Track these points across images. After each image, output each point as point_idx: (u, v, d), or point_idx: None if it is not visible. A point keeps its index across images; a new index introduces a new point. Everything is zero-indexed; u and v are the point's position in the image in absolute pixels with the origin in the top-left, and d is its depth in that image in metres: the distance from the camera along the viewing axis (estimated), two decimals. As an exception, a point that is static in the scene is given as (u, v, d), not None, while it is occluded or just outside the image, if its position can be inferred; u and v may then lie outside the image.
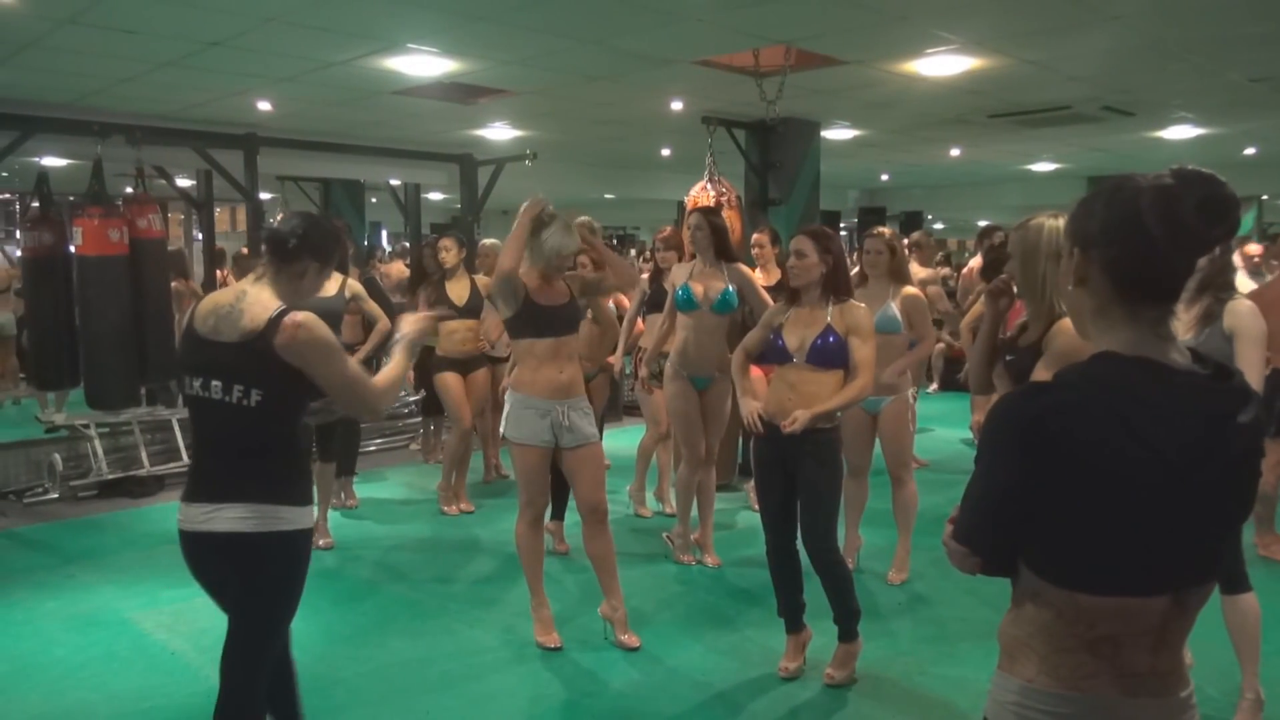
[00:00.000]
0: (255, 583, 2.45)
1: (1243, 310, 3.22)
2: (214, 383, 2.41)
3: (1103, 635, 1.37)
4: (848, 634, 3.74)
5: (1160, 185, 1.31)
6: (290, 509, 2.44)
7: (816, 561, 3.67)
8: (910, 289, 4.78)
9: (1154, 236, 1.31)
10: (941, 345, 10.05)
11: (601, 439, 4.31)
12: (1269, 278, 6.44)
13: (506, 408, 4.01)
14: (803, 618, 3.81)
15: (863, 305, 3.73)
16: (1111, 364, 1.35)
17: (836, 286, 3.66)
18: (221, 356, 2.40)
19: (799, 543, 3.72)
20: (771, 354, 3.72)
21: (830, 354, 3.58)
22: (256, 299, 2.43)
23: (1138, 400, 1.32)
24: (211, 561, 2.48)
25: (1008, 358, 2.75)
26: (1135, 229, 1.32)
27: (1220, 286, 3.28)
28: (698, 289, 4.78)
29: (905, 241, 6.60)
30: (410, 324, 2.75)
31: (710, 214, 4.97)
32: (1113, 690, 1.38)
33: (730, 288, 4.76)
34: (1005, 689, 1.46)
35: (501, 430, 4.05)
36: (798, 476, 3.63)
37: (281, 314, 2.38)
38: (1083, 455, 1.31)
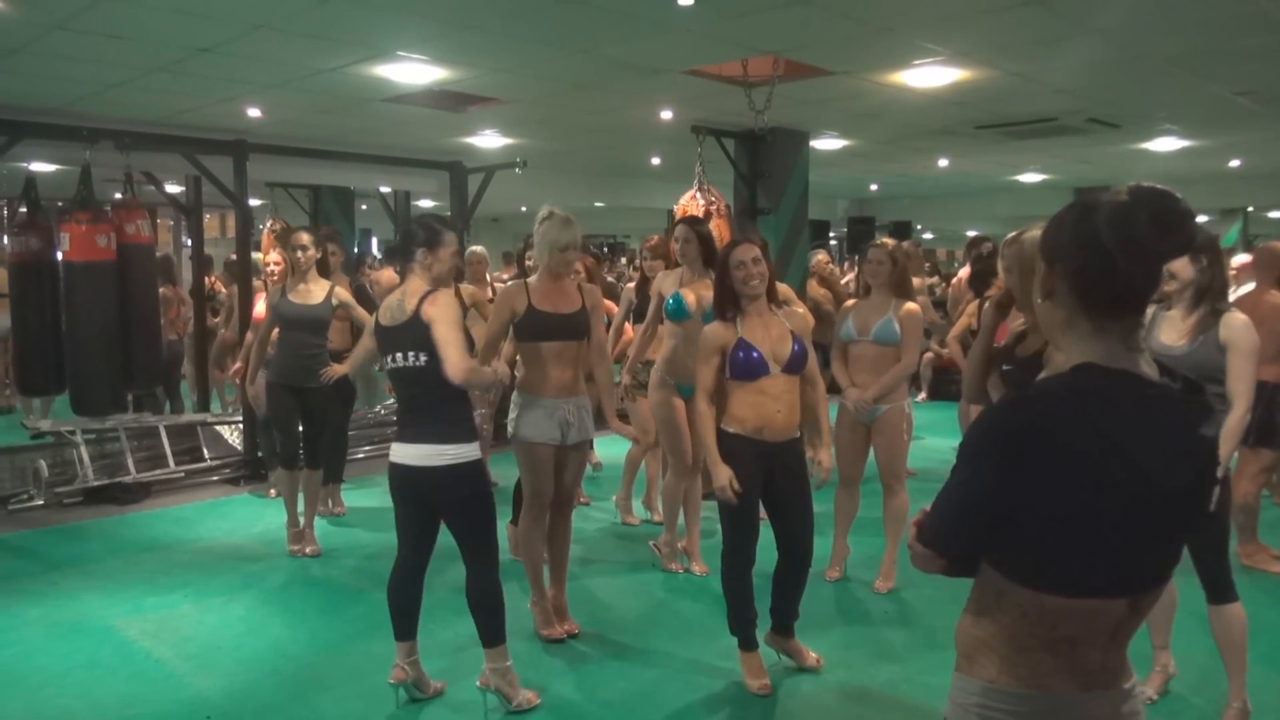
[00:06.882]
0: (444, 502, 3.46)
1: (1237, 324, 3.24)
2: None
3: (1063, 636, 1.42)
4: (791, 628, 3.93)
5: (1116, 201, 1.38)
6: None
7: (805, 562, 3.79)
8: (912, 305, 4.66)
9: (1109, 251, 1.37)
10: (930, 355, 10.08)
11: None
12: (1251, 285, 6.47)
13: (514, 410, 4.12)
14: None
15: (801, 308, 3.92)
16: (1093, 375, 1.39)
17: (774, 291, 3.79)
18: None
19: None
20: (743, 370, 3.61)
21: (802, 360, 3.70)
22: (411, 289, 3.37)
23: (1119, 412, 1.37)
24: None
25: (1005, 368, 2.77)
26: (1092, 244, 1.38)
27: (1217, 297, 3.31)
28: (690, 298, 4.74)
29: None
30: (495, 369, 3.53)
31: (696, 224, 4.95)
32: (1069, 686, 1.44)
33: None
34: (967, 691, 1.49)
35: (510, 429, 4.14)
36: (779, 484, 3.68)
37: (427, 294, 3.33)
38: (1065, 464, 1.35)
